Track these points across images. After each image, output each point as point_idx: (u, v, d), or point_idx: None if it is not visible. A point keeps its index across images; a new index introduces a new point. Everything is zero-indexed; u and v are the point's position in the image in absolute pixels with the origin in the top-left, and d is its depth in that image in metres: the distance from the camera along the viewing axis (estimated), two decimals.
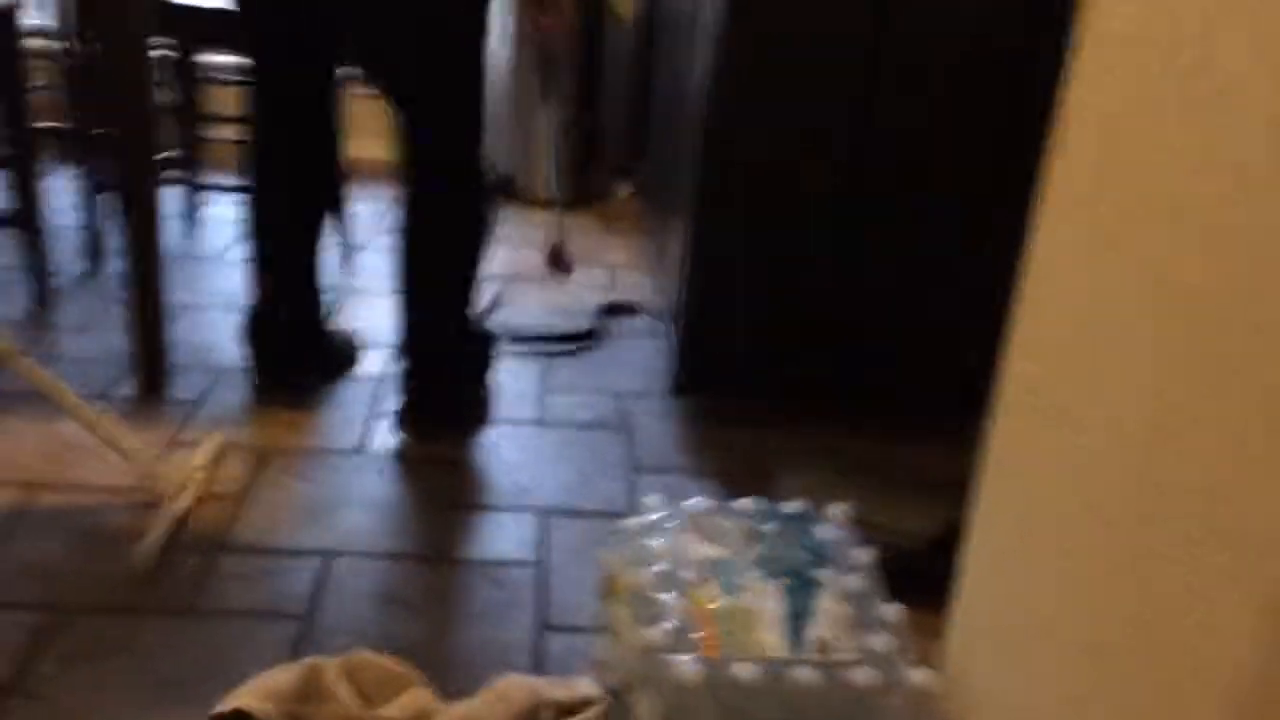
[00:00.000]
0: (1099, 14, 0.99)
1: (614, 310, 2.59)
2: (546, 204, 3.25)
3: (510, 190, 3.37)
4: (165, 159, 2.78)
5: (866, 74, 1.87)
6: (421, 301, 1.89)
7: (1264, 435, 0.72)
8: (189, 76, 2.75)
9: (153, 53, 2.66)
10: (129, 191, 1.98)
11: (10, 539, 1.58)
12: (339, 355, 2.20)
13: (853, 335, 2.02)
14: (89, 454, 1.76)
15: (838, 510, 1.47)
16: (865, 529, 1.45)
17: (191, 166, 2.86)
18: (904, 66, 1.87)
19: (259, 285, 2.01)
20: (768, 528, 1.43)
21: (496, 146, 3.37)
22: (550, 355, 2.35)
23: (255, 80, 1.96)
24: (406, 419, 1.93)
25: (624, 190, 3.47)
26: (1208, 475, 0.78)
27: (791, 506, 1.48)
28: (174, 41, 2.68)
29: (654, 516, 1.44)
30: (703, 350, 2.09)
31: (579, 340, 2.41)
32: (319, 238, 2.04)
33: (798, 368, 2.04)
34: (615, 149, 3.49)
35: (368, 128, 3.10)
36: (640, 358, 2.37)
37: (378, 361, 2.24)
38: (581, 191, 3.39)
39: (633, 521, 1.44)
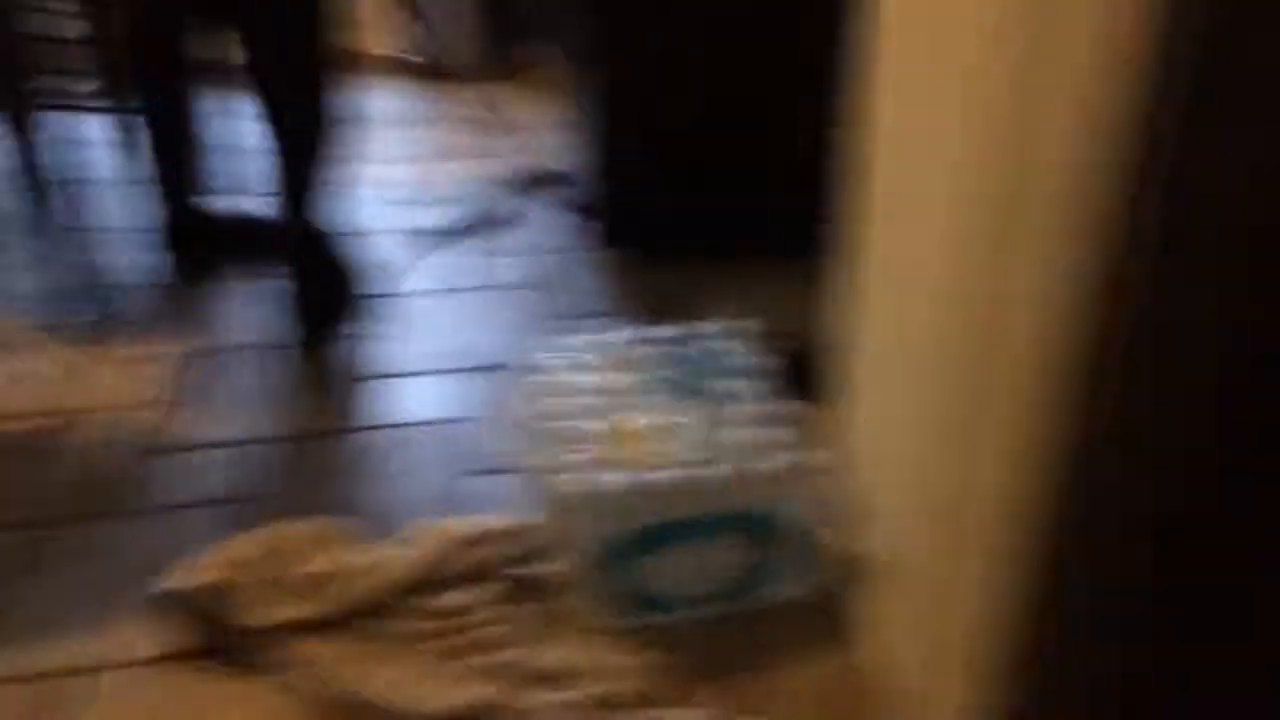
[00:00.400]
0: None
1: (539, 181, 2.62)
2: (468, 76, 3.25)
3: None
4: (88, 89, 2.76)
5: None
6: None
7: None
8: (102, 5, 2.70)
9: None
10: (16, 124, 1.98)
11: None
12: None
13: (761, 167, 2.06)
14: (33, 380, 1.81)
15: (744, 326, 1.55)
16: (771, 340, 1.53)
17: (116, 93, 2.83)
18: None
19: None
20: (680, 350, 1.50)
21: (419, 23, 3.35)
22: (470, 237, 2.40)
23: None
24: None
25: (541, 56, 3.45)
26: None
27: (701, 328, 1.55)
28: None
29: (577, 351, 1.52)
30: (622, 201, 2.13)
31: (497, 224, 2.45)
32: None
33: (714, 205, 2.09)
34: (538, 18, 3.45)
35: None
36: (565, 215, 2.41)
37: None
38: (501, 60, 3.37)
39: (557, 357, 1.51)
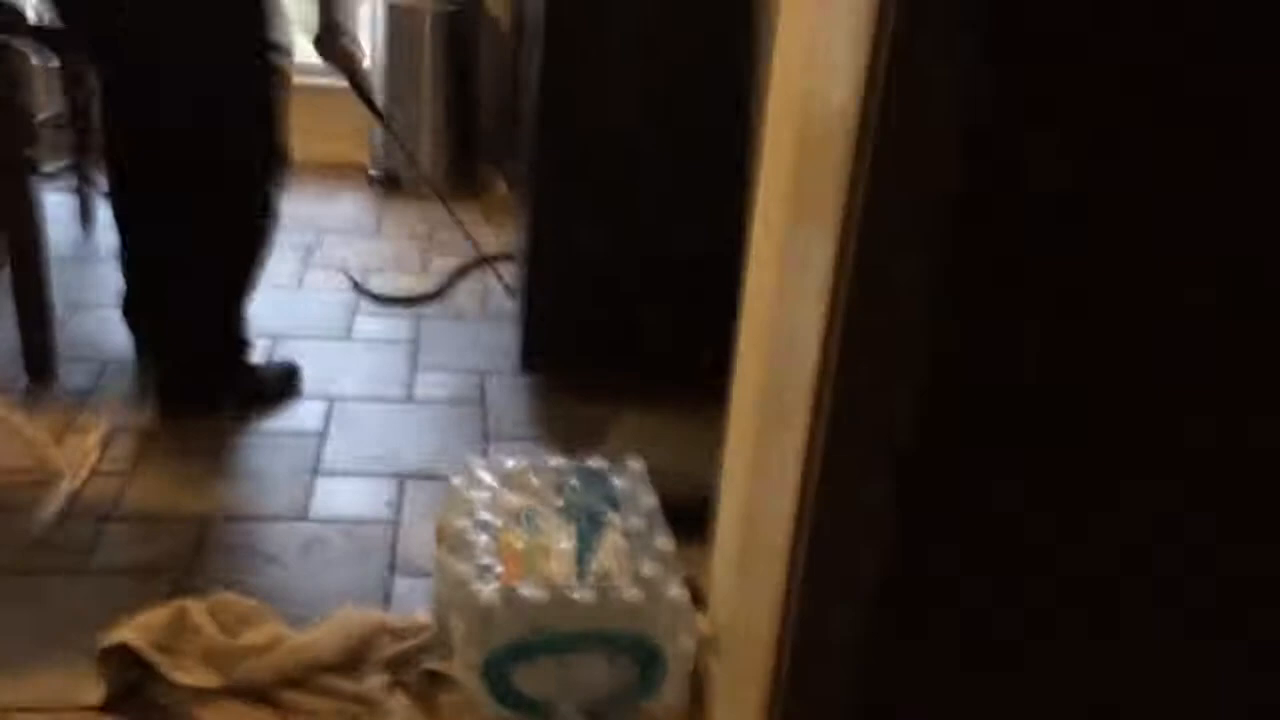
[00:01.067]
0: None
1: (466, 269, 2.89)
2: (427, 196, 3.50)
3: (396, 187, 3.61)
4: (56, 168, 2.96)
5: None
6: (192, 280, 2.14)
7: None
8: (77, 88, 2.92)
9: (37, 62, 2.85)
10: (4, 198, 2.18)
11: None
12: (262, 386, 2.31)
13: (683, 305, 2.29)
14: None
15: (633, 464, 1.77)
16: (658, 479, 1.74)
17: (82, 173, 3.04)
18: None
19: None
20: (572, 481, 1.71)
21: (380, 141, 3.61)
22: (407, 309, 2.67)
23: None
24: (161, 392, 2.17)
25: (501, 183, 3.72)
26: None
27: (594, 462, 1.76)
28: (57, 54, 2.85)
29: (480, 474, 1.72)
30: (547, 327, 2.35)
31: (430, 299, 2.72)
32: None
33: (626, 338, 2.31)
34: (492, 144, 3.73)
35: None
36: (500, 337, 2.64)
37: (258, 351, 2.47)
38: (461, 187, 3.63)
39: (461, 478, 1.71)
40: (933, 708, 1.00)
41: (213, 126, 1.97)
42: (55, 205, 2.96)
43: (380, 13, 3.49)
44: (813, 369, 0.85)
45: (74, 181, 3.03)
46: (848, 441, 0.85)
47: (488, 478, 1.71)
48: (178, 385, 2.16)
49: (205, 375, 2.20)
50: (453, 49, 3.52)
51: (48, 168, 3.00)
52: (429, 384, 2.42)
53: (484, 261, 3.00)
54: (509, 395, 2.38)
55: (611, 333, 2.32)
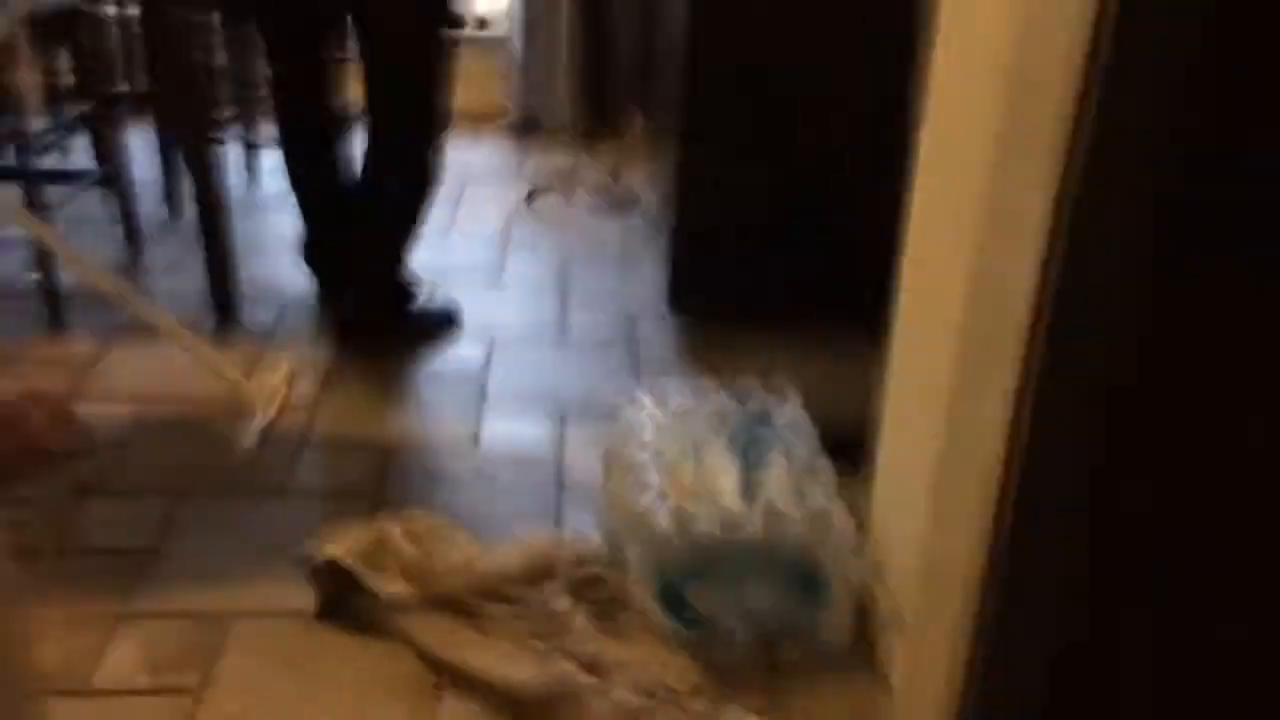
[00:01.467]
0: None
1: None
2: (566, 137, 3.58)
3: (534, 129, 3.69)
4: (223, 118, 3.12)
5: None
6: (368, 229, 2.31)
7: None
8: (239, 44, 3.07)
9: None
10: (191, 150, 2.33)
11: (132, 443, 1.98)
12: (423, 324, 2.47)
13: (817, 245, 2.33)
14: (189, 375, 2.14)
15: (791, 397, 1.83)
16: (815, 411, 1.80)
17: (247, 123, 3.20)
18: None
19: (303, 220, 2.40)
20: (734, 415, 1.79)
21: (517, 85, 3.69)
22: None
23: (266, 47, 2.33)
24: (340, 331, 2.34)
25: (637, 122, 3.77)
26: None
27: (753, 395, 1.83)
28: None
29: (647, 407, 1.81)
30: (696, 266, 2.41)
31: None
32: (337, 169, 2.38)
33: (775, 277, 2.36)
34: (629, 82, 3.78)
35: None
36: (649, 277, 2.71)
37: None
38: (598, 125, 3.69)
39: (629, 411, 1.80)
40: (1136, 646, 1.04)
41: (403, 87, 2.19)
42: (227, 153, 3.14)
43: None
44: (1024, 316, 0.89)
45: (240, 134, 3.20)
46: (1063, 383, 0.89)
47: (653, 410, 1.79)
48: (355, 324, 2.31)
49: (379, 314, 2.34)
50: None
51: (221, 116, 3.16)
52: (581, 324, 2.51)
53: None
54: (659, 333, 2.46)
55: (762, 272, 2.37)
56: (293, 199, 2.41)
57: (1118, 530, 0.98)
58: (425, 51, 2.18)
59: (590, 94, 3.68)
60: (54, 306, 2.34)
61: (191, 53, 2.32)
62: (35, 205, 2.62)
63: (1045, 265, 0.86)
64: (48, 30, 2.48)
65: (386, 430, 2.05)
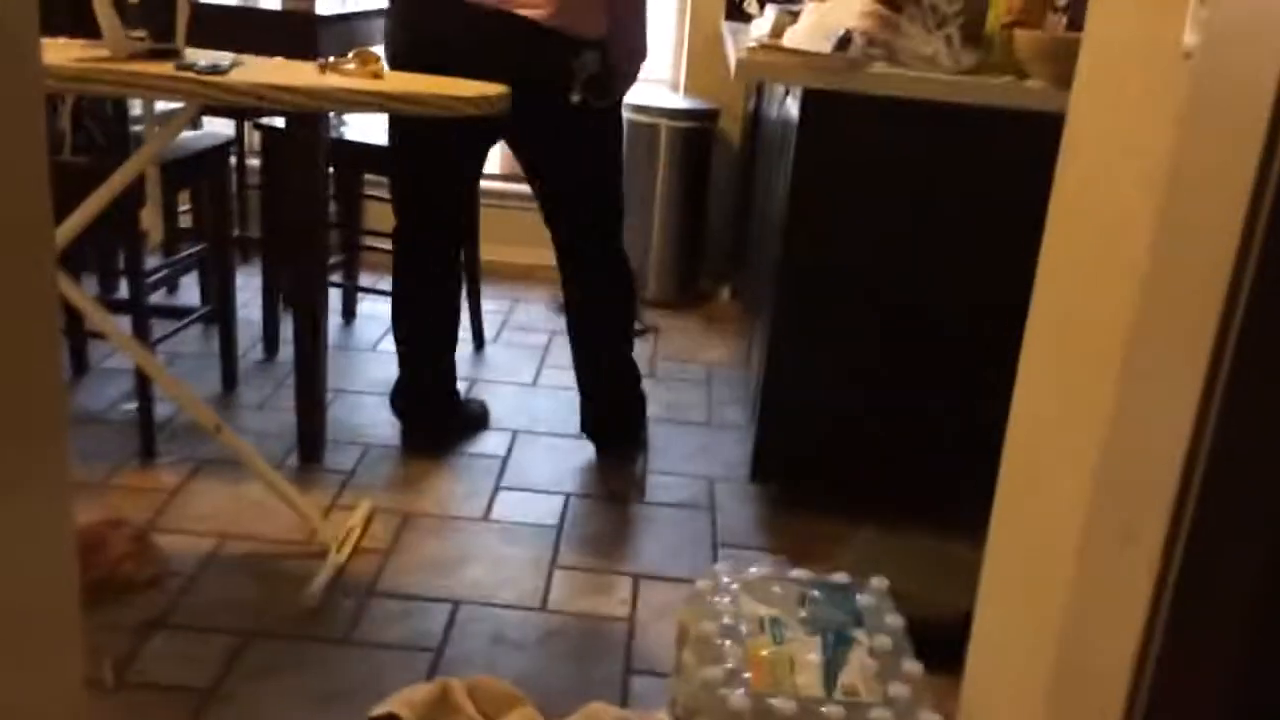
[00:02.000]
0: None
1: None
2: (652, 304, 3.64)
3: None
4: (329, 264, 3.24)
5: (916, 213, 2.19)
6: (593, 354, 2.52)
7: None
8: (351, 194, 3.22)
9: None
10: (300, 293, 2.41)
11: (206, 577, 1.98)
12: (473, 420, 2.70)
13: (909, 435, 2.30)
14: (268, 511, 2.15)
15: (877, 582, 1.76)
16: (901, 601, 1.73)
17: (351, 271, 3.32)
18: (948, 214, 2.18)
19: (403, 362, 2.53)
20: (816, 593, 1.72)
21: None
22: None
23: (401, 190, 2.46)
24: (594, 434, 2.59)
25: (725, 293, 3.82)
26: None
27: (837, 577, 1.77)
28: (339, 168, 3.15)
29: (724, 580, 1.75)
30: (778, 441, 2.38)
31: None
32: (453, 320, 2.55)
33: (863, 461, 2.32)
34: (718, 254, 3.85)
35: (496, 234, 3.54)
36: (728, 446, 2.68)
37: (500, 442, 2.61)
38: (686, 293, 3.75)
39: (706, 583, 1.75)
40: None
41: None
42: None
43: None
44: (1172, 497, 0.84)
45: (341, 277, 3.31)
46: (1207, 583, 0.83)
47: (731, 583, 1.74)
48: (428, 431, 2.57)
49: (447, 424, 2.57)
50: (687, 164, 3.67)
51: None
52: (660, 486, 2.48)
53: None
54: (739, 503, 2.42)
55: (848, 451, 2.33)
56: (400, 344, 2.54)
57: None
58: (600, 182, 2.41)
59: (680, 263, 3.75)
60: (148, 436, 2.39)
61: (317, 201, 2.41)
62: (143, 338, 2.73)
63: (1190, 456, 0.81)
64: (174, 172, 2.63)
65: (457, 583, 2.02)
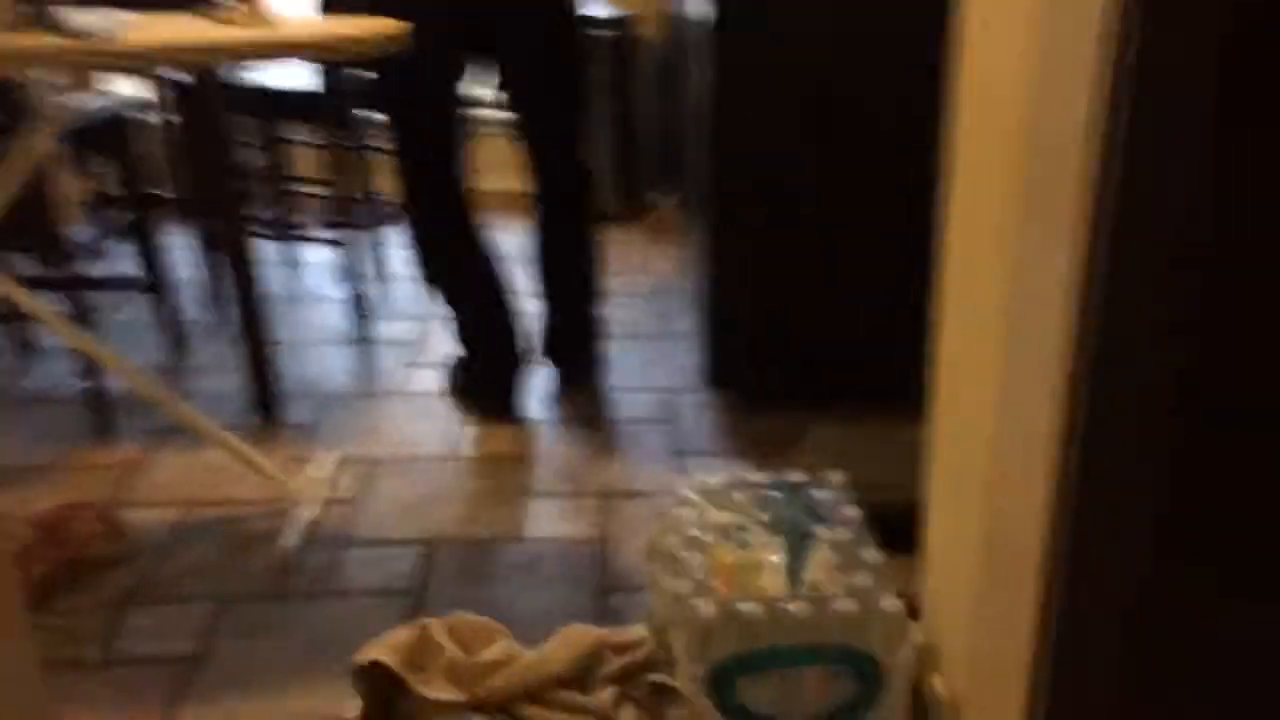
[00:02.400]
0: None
1: None
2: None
3: None
4: (260, 215, 3.19)
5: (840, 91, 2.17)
6: (563, 277, 2.49)
7: None
8: (274, 143, 3.15)
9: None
10: (225, 246, 2.37)
11: (177, 547, 1.99)
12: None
13: (854, 324, 2.32)
14: (234, 476, 2.16)
15: (834, 477, 1.80)
16: (859, 492, 1.77)
17: (284, 220, 3.27)
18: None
19: (461, 327, 2.44)
20: (774, 495, 1.76)
21: None
22: None
23: (399, 128, 2.32)
24: (560, 356, 2.55)
25: (666, 203, 3.80)
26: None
27: (795, 476, 1.80)
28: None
29: (686, 493, 1.79)
30: (729, 346, 2.40)
31: None
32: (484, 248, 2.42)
33: (814, 355, 2.35)
34: (654, 164, 3.82)
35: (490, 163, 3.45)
36: (684, 355, 2.71)
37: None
38: (627, 205, 3.73)
39: (669, 498, 1.78)
40: None
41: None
42: (265, 250, 3.21)
43: None
44: (1060, 382, 0.87)
45: (280, 229, 3.27)
46: (1110, 438, 0.86)
47: (692, 495, 1.77)
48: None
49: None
50: (610, 75, 3.62)
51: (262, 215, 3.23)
52: (619, 404, 2.50)
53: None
54: (698, 412, 2.45)
55: (798, 348, 2.36)
56: (438, 291, 2.44)
57: (1169, 614, 0.95)
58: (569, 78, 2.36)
59: (617, 175, 3.72)
60: (100, 413, 2.37)
61: (228, 153, 2.36)
62: (81, 312, 2.69)
63: (1079, 328, 0.84)
64: (94, 139, 2.57)
65: (430, 524, 2.05)
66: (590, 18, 3.54)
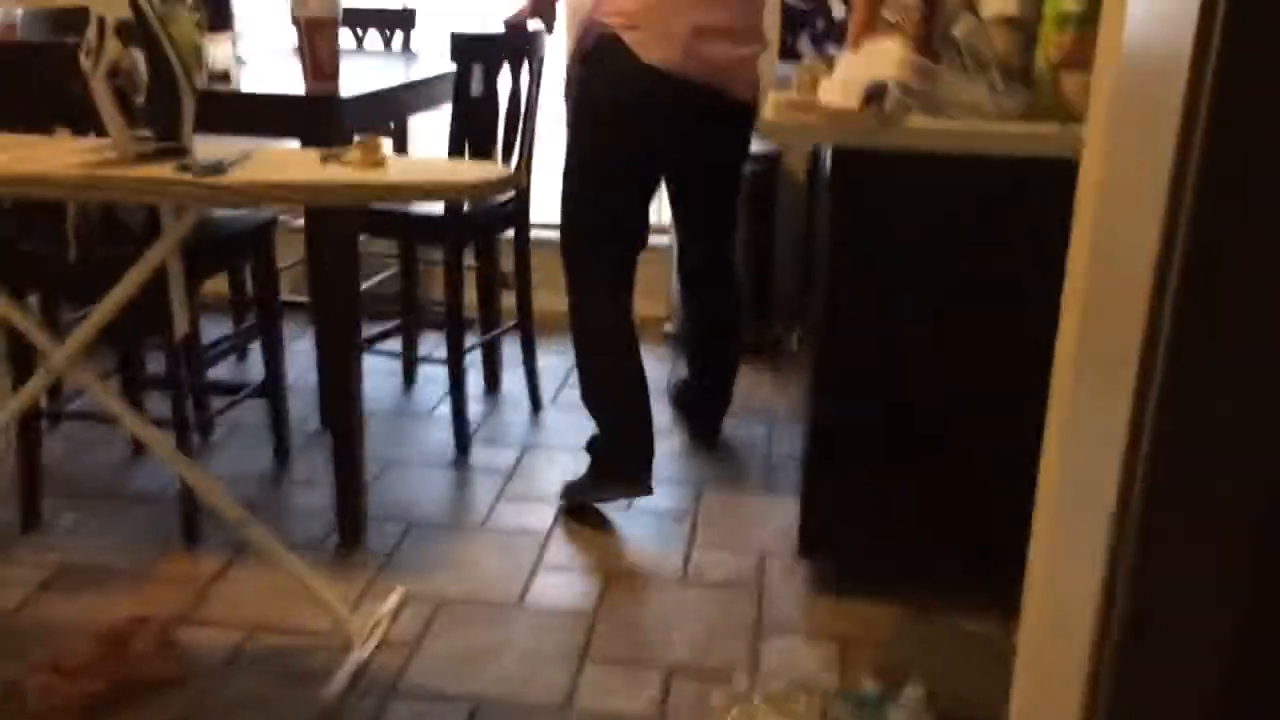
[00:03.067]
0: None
1: None
2: None
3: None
4: (385, 330, 3.23)
5: (962, 272, 2.03)
6: (729, 357, 2.91)
7: None
8: (411, 261, 3.20)
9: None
10: (334, 362, 2.38)
11: (231, 676, 1.95)
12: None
13: (960, 505, 2.13)
14: (299, 599, 2.12)
15: (912, 690, 1.62)
16: (938, 705, 1.59)
17: (410, 334, 3.31)
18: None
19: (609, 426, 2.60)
20: (841, 710, 1.59)
21: (674, 301, 3.68)
22: None
23: (591, 248, 2.55)
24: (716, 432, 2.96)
25: (794, 340, 3.68)
26: None
27: (869, 686, 1.64)
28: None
29: (748, 691, 1.64)
30: (826, 512, 2.24)
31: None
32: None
33: (915, 533, 2.17)
34: (787, 299, 3.72)
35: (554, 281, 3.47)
36: (783, 515, 2.56)
37: (546, 516, 2.54)
38: (754, 339, 3.63)
39: (733, 692, 1.64)
40: None
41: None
42: (379, 365, 3.25)
43: None
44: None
45: (402, 340, 3.30)
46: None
47: (756, 701, 1.63)
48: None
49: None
50: (752, 207, 3.55)
51: (373, 331, 3.28)
52: (705, 563, 2.37)
53: None
54: (786, 581, 2.29)
55: (896, 530, 2.18)
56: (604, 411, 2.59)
57: None
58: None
59: (749, 310, 3.63)
60: (192, 519, 2.40)
61: (351, 265, 2.38)
62: (203, 409, 2.76)
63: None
64: (238, 242, 2.64)
65: (480, 682, 1.95)
66: None
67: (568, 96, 2.54)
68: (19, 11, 2.48)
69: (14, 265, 2.26)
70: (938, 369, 2.10)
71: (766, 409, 3.21)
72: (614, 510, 2.57)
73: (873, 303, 2.11)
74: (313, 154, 1.87)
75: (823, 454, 2.22)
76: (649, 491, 2.54)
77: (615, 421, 2.57)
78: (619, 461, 2.56)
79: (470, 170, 1.80)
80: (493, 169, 1.80)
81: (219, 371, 3.28)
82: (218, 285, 3.84)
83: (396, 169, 1.84)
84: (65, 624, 2.07)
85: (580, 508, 2.56)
